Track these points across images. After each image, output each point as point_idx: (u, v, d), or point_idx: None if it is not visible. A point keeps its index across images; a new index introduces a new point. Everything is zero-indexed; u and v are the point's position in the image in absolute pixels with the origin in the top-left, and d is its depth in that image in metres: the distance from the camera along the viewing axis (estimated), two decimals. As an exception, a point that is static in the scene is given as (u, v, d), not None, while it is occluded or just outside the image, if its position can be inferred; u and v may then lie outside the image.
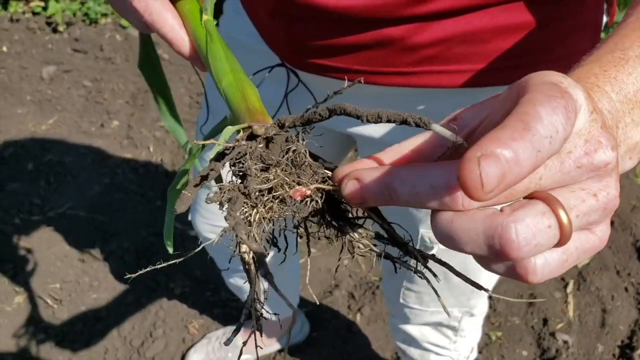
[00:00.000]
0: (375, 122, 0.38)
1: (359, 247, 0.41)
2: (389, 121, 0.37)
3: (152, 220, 2.04)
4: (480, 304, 1.06)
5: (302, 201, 0.39)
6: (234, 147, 0.40)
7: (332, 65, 0.74)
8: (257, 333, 1.44)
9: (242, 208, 0.38)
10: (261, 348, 0.51)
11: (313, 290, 1.85)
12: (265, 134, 0.40)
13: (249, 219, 0.38)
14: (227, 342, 0.39)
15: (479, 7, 0.65)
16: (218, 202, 0.38)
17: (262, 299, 0.40)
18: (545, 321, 1.81)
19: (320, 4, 0.66)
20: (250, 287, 0.37)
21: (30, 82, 2.55)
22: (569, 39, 0.71)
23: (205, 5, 0.52)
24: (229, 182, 0.39)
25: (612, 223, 2.09)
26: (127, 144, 2.32)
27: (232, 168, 0.40)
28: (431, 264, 0.41)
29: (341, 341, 1.76)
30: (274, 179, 0.39)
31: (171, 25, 0.51)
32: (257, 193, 0.38)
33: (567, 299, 1.88)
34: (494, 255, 0.32)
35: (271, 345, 1.68)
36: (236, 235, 0.36)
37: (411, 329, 1.15)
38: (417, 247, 0.43)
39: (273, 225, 0.39)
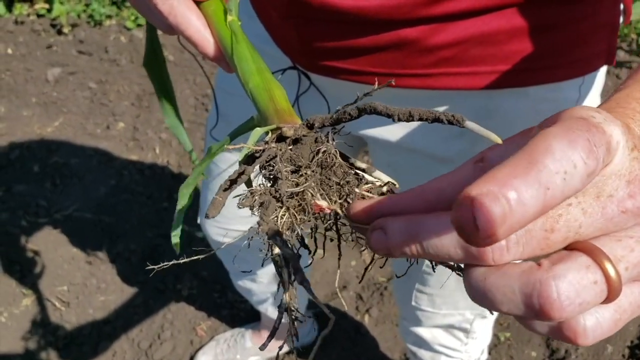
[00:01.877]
0: (407, 121, 0.37)
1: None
2: (420, 119, 0.36)
3: (158, 221, 2.04)
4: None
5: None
6: (264, 150, 0.39)
7: (345, 67, 0.74)
8: (267, 334, 1.41)
9: (274, 213, 0.37)
10: (297, 347, 0.50)
11: (321, 292, 1.85)
12: (295, 135, 0.40)
13: (281, 222, 0.38)
14: (263, 347, 0.38)
15: (495, 8, 0.65)
16: (249, 207, 0.37)
17: (295, 304, 0.39)
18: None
19: (334, 4, 0.65)
20: (284, 291, 0.37)
21: (35, 84, 2.55)
22: (587, 41, 0.70)
23: (229, 5, 0.52)
24: (259, 184, 0.39)
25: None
26: (133, 146, 2.32)
27: (262, 171, 0.39)
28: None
29: (350, 342, 1.75)
30: (305, 181, 0.39)
31: (196, 27, 0.50)
32: (288, 196, 0.38)
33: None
34: (534, 315, 0.29)
35: (282, 346, 1.67)
36: (268, 239, 0.36)
37: (422, 331, 1.14)
38: None
39: (303, 228, 0.39)
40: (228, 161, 1.05)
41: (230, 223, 1.18)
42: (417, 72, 0.71)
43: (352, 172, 0.40)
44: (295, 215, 0.38)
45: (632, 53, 2.76)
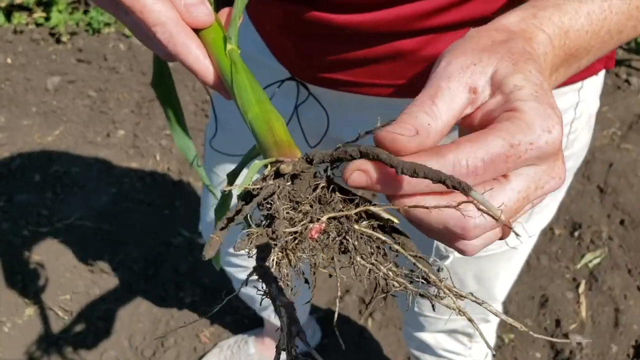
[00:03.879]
0: (410, 176, 0.37)
1: (393, 285, 0.40)
2: (425, 177, 0.37)
3: (159, 229, 2.04)
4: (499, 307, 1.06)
5: (328, 238, 0.39)
6: (261, 188, 0.39)
7: (342, 79, 0.74)
8: (273, 341, 1.41)
9: (272, 257, 0.37)
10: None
11: (323, 297, 1.84)
12: (293, 171, 0.40)
13: (279, 264, 0.38)
14: None
15: (490, 18, 0.65)
16: (246, 250, 0.38)
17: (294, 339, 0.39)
18: (557, 322, 1.80)
19: (331, 19, 0.65)
20: (282, 332, 0.37)
21: (35, 93, 2.55)
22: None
23: (229, 33, 0.51)
24: (256, 225, 0.39)
25: (622, 221, 2.08)
26: (134, 153, 2.32)
27: (260, 208, 0.39)
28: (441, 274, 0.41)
29: (353, 347, 1.75)
30: (302, 219, 0.39)
31: (195, 55, 0.50)
32: (285, 237, 0.38)
33: (579, 299, 1.87)
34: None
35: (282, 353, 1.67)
36: (265, 287, 0.36)
37: (426, 336, 1.14)
38: (432, 257, 0.43)
39: (302, 264, 0.39)
40: (227, 170, 1.05)
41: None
42: (412, 83, 0.71)
43: (352, 208, 0.40)
44: (292, 254, 0.38)
45: (630, 51, 2.75)
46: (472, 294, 0.40)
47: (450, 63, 0.43)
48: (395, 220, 0.40)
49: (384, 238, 0.40)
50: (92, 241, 1.99)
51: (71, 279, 1.89)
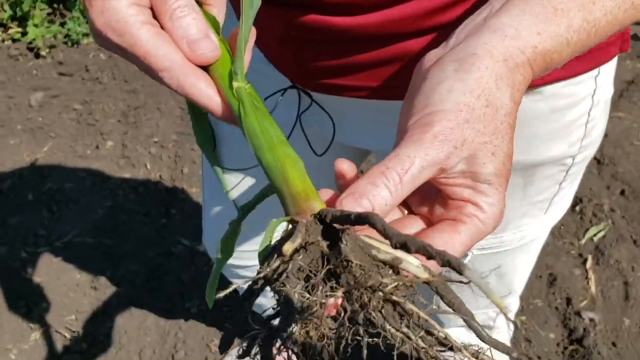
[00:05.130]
0: (402, 249, 0.38)
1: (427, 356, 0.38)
2: (417, 252, 0.37)
3: (158, 239, 2.01)
4: (515, 302, 1.04)
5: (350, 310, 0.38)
6: (266, 277, 0.38)
7: (347, 84, 0.71)
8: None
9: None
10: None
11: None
12: (300, 245, 0.38)
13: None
14: None
15: None
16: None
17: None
18: (568, 300, 1.80)
19: (335, 24, 0.63)
20: None
21: (19, 110, 2.50)
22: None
23: (235, 68, 0.48)
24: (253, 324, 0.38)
25: (622, 192, 2.07)
26: (124, 164, 2.28)
27: (272, 288, 0.38)
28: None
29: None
30: (319, 300, 0.37)
31: (207, 95, 0.48)
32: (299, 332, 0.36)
33: (588, 274, 1.86)
34: None
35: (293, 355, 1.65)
36: None
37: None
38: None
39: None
40: (230, 184, 1.02)
41: (242, 256, 1.16)
42: None
43: (376, 269, 0.38)
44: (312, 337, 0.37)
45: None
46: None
47: (431, 128, 0.43)
48: (429, 276, 0.38)
49: (414, 309, 0.38)
50: (93, 257, 1.96)
51: (75, 298, 1.87)
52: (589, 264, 1.89)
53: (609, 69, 0.74)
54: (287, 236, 0.40)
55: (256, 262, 1.26)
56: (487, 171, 0.43)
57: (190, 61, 0.48)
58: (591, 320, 1.73)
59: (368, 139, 0.82)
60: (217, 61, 0.49)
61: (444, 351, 0.38)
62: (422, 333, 0.38)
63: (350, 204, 0.40)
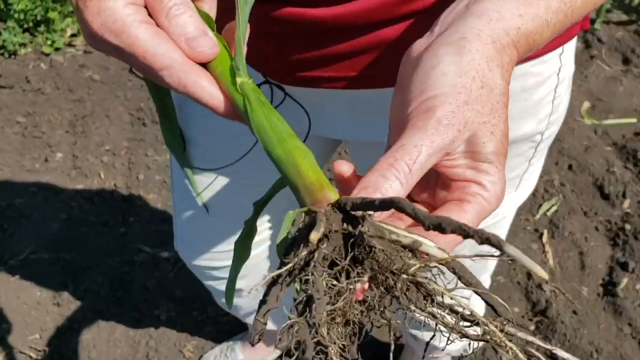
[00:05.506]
0: (436, 230, 0.38)
1: (453, 331, 0.39)
2: (452, 232, 0.37)
3: (119, 249, 1.97)
4: (487, 280, 1.08)
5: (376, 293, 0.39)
6: (294, 266, 0.39)
7: (324, 75, 0.72)
8: (261, 342, 1.39)
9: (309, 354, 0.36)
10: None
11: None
12: (324, 234, 0.39)
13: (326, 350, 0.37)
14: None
15: None
16: (285, 351, 0.37)
17: None
18: (529, 275, 1.86)
19: (313, 15, 0.63)
20: None
21: (-42, 127, 2.41)
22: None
23: (236, 63, 0.48)
24: (289, 316, 0.37)
25: (570, 166, 2.15)
26: (76, 175, 2.22)
27: (296, 280, 0.39)
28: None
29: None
30: (344, 290, 0.38)
31: (210, 93, 0.48)
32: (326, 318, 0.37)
33: (545, 248, 1.93)
34: None
35: (272, 353, 1.66)
36: None
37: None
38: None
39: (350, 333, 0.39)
40: (202, 184, 1.02)
41: (217, 257, 1.15)
42: (396, 71, 0.70)
43: (396, 253, 0.39)
44: (338, 330, 0.38)
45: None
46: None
47: (433, 113, 0.43)
48: (447, 256, 0.40)
49: (439, 288, 0.39)
50: (52, 273, 1.91)
51: (37, 317, 1.81)
52: (545, 238, 1.96)
53: (571, 47, 0.78)
54: (307, 226, 0.40)
55: (229, 262, 1.24)
56: (488, 150, 0.44)
57: (190, 59, 0.48)
58: (552, 291, 1.80)
59: (344, 129, 0.83)
60: (217, 58, 0.48)
61: (469, 326, 0.39)
62: (447, 311, 0.39)
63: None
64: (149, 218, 2.09)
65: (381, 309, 0.39)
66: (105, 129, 2.36)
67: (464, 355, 1.50)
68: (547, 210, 2.03)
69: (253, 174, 1.00)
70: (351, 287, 0.38)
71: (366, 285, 0.39)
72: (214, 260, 1.18)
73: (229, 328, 1.77)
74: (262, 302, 0.39)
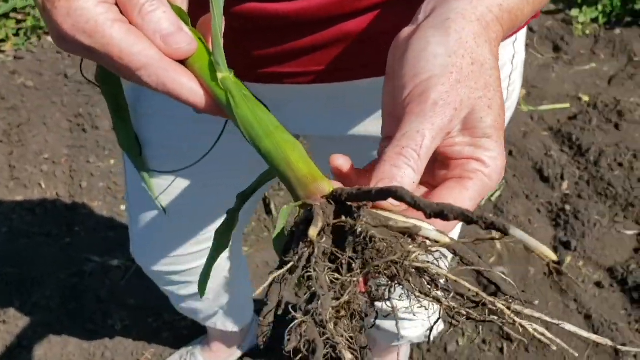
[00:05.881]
0: (438, 218, 0.38)
1: (459, 314, 0.40)
2: (455, 219, 0.38)
3: (66, 260, 1.91)
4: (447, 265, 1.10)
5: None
6: (293, 261, 0.39)
7: (287, 71, 0.72)
8: (222, 342, 1.37)
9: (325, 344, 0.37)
10: None
11: (257, 286, 1.82)
12: (322, 227, 0.39)
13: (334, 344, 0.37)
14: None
15: None
16: (295, 350, 0.37)
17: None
18: (479, 258, 1.91)
19: (274, 10, 0.63)
20: None
21: None
22: None
23: (215, 58, 0.48)
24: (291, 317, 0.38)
25: (510, 152, 2.22)
26: (15, 186, 2.14)
27: (300, 276, 0.39)
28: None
29: (298, 330, 1.76)
30: (348, 284, 0.38)
31: (190, 89, 0.47)
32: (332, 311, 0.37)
33: (492, 232, 1.99)
34: None
35: (233, 354, 1.65)
36: None
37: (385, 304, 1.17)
38: None
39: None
40: (159, 186, 1.00)
41: (177, 261, 1.14)
42: (362, 63, 0.71)
43: (396, 241, 0.39)
44: (345, 322, 0.38)
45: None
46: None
47: (428, 96, 0.44)
48: (448, 240, 0.40)
49: (442, 272, 0.40)
50: (-4, 290, 1.84)
51: (-17, 336, 1.74)
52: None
53: (523, 35, 0.81)
54: (304, 220, 0.40)
55: (190, 265, 1.22)
56: (486, 124, 0.45)
57: (167, 56, 0.47)
58: (501, 274, 1.86)
59: (307, 125, 0.83)
60: (194, 54, 0.48)
61: (475, 307, 0.40)
62: (452, 294, 0.40)
63: None
64: (95, 226, 2.03)
65: (386, 297, 0.40)
66: (43, 136, 2.28)
67: (425, 342, 1.54)
68: (492, 195, 2.09)
69: (215, 174, 0.99)
70: (354, 279, 0.38)
71: (369, 276, 0.39)
72: (174, 265, 1.16)
73: (187, 333, 1.75)
74: (264, 304, 0.39)
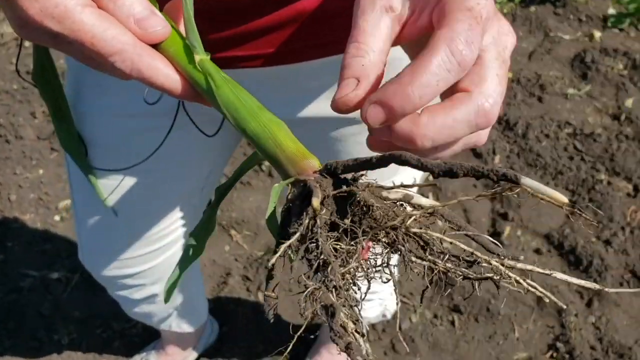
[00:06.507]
0: (447, 177, 0.38)
1: (455, 275, 0.41)
2: (465, 175, 0.38)
3: (1, 277, 1.82)
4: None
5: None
6: (296, 232, 0.39)
7: (241, 55, 0.71)
8: (177, 345, 1.35)
9: (339, 318, 0.36)
10: None
11: (207, 286, 1.80)
12: (323, 198, 0.39)
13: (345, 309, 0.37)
14: None
15: None
16: (313, 315, 0.37)
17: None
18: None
19: None
20: None
21: None
22: None
23: (191, 41, 0.46)
24: (307, 280, 0.37)
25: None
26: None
27: (302, 247, 0.38)
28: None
29: (253, 324, 1.75)
30: (349, 250, 0.38)
31: (165, 74, 0.45)
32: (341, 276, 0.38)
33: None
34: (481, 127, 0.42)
35: (189, 356, 1.62)
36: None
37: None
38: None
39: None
40: (107, 186, 0.96)
41: (129, 264, 1.10)
42: (316, 44, 0.71)
43: (391, 209, 0.40)
44: (352, 285, 0.38)
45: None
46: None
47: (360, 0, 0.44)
48: (438, 204, 0.41)
49: (435, 235, 0.40)
50: None
51: None
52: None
53: None
54: (299, 196, 0.40)
55: (143, 267, 1.19)
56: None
57: (142, 41, 0.45)
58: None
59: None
60: (168, 38, 0.46)
61: (471, 266, 0.41)
62: (448, 256, 0.41)
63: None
64: (30, 239, 1.94)
65: (384, 264, 0.40)
66: (-37, 150, 2.16)
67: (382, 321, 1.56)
68: (429, 175, 2.14)
69: (164, 172, 0.97)
70: (358, 247, 0.38)
71: (370, 243, 0.40)
72: (125, 268, 1.13)
73: (139, 340, 1.70)
74: (270, 277, 0.39)
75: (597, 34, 2.64)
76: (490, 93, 0.42)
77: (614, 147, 2.18)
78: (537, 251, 1.91)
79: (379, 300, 1.30)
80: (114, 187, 0.97)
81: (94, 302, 1.76)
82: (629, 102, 2.34)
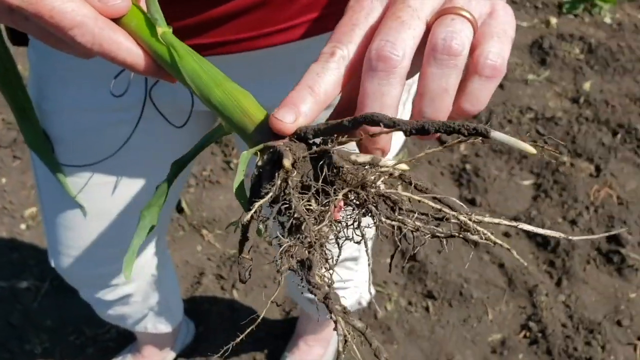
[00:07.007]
0: (419, 134, 0.38)
1: (424, 235, 0.42)
2: (437, 132, 0.38)
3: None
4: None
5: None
6: (270, 190, 0.39)
7: (206, 42, 0.71)
8: (153, 347, 1.34)
9: (316, 270, 0.37)
10: None
11: (181, 286, 1.79)
12: (294, 161, 0.39)
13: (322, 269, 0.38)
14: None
15: None
16: (290, 270, 0.37)
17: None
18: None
19: None
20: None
21: None
22: None
23: (152, 14, 0.46)
24: (281, 237, 0.38)
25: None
26: None
27: (271, 206, 0.39)
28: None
29: (229, 322, 1.74)
30: (324, 208, 0.39)
31: (127, 48, 0.45)
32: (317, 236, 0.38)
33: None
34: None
35: (167, 357, 1.60)
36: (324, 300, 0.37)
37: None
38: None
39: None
40: (75, 183, 0.95)
41: (100, 263, 1.09)
42: (281, 27, 0.71)
43: (360, 171, 0.40)
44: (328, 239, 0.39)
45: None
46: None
47: None
48: (406, 167, 0.42)
49: (404, 194, 0.41)
50: None
51: None
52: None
53: None
54: (269, 161, 0.40)
55: (115, 266, 1.17)
56: None
57: (102, 14, 0.44)
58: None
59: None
60: (129, 13, 0.46)
61: (439, 224, 0.42)
62: (417, 214, 0.42)
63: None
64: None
65: (355, 224, 0.41)
66: None
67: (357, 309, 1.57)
68: (397, 163, 2.16)
69: (133, 166, 0.96)
70: (330, 205, 0.39)
71: (342, 204, 0.40)
72: (97, 268, 1.11)
73: (114, 345, 1.68)
74: (244, 240, 0.39)
75: (554, 20, 2.70)
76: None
77: (575, 130, 2.23)
78: (506, 234, 1.94)
79: (354, 287, 1.31)
80: (82, 184, 0.96)
81: (65, 309, 1.74)
82: (586, 86, 2.40)
